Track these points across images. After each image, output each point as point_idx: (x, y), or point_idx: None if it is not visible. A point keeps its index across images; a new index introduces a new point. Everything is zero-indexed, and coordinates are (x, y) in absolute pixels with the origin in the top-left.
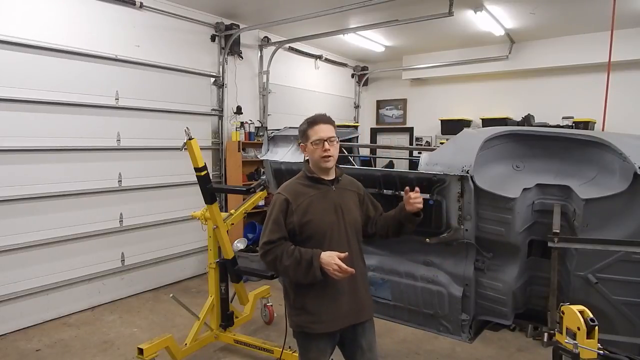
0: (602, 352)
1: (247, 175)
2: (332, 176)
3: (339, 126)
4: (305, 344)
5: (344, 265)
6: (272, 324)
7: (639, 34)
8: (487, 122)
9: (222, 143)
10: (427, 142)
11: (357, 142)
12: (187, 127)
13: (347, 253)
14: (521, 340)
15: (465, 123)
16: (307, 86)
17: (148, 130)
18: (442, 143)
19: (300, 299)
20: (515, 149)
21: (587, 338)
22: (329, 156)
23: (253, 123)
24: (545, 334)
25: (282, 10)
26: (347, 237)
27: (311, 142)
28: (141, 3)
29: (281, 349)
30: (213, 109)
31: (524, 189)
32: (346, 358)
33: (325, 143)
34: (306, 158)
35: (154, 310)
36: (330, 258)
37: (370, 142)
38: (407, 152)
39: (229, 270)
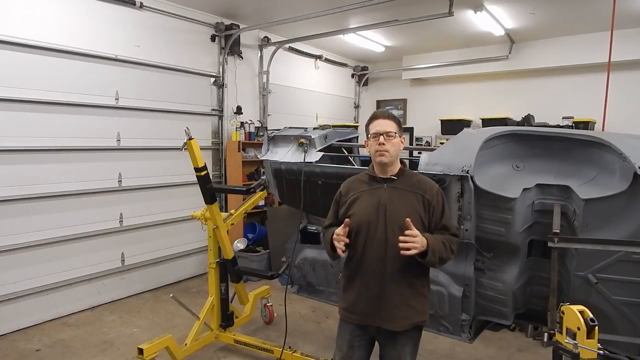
0: (602, 352)
1: (247, 175)
2: (388, 174)
3: (338, 126)
4: (338, 327)
5: (340, 233)
6: (272, 324)
7: (639, 34)
8: (487, 122)
9: (222, 143)
10: (427, 142)
11: (357, 142)
12: (187, 127)
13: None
14: (521, 340)
15: (465, 123)
16: (307, 86)
17: (148, 130)
18: (442, 143)
19: (342, 285)
20: (515, 149)
21: (587, 338)
22: (384, 151)
23: (253, 123)
24: (545, 334)
25: (282, 10)
26: (386, 237)
27: (369, 136)
28: (141, 3)
29: (281, 349)
30: (213, 109)
31: (524, 189)
32: None
33: (381, 137)
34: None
35: (154, 310)
36: (338, 230)
37: None
38: (407, 152)
39: (229, 270)
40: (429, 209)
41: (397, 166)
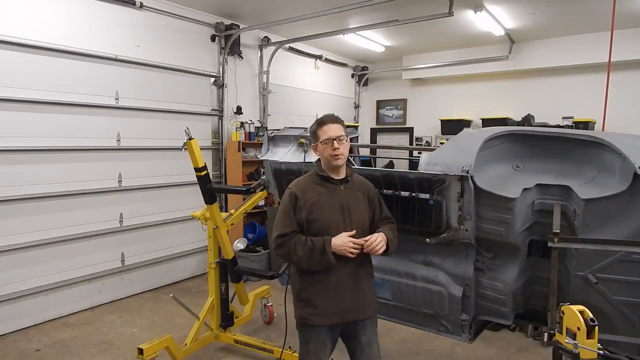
0: (602, 352)
1: (247, 175)
2: (341, 175)
3: None
4: (306, 335)
5: (357, 240)
6: (272, 324)
7: (639, 34)
8: (487, 122)
9: (222, 143)
10: (427, 142)
11: (357, 142)
12: (187, 127)
13: (354, 231)
14: (521, 340)
15: (465, 123)
16: (307, 86)
17: (148, 130)
18: (442, 143)
19: (305, 292)
20: (515, 149)
21: (587, 338)
22: (339, 154)
23: (253, 123)
24: (545, 334)
25: (282, 10)
26: (352, 237)
27: (321, 142)
28: (141, 3)
29: (281, 349)
30: (213, 109)
31: (524, 189)
32: (348, 353)
33: (335, 142)
34: (318, 158)
35: (154, 310)
36: (342, 239)
37: (370, 142)
38: (407, 152)
39: (229, 270)
40: (371, 204)
41: (345, 166)
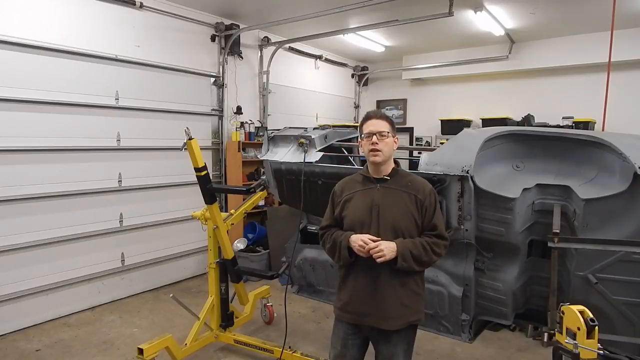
0: (602, 352)
1: (247, 175)
2: (381, 174)
3: (338, 126)
4: (333, 326)
5: (369, 242)
6: (272, 324)
7: (639, 34)
8: (487, 122)
9: (222, 143)
10: (427, 142)
11: (357, 142)
12: (187, 127)
13: (379, 239)
14: (521, 340)
15: (465, 123)
16: (307, 86)
17: (148, 130)
18: (442, 143)
19: (338, 284)
20: (515, 149)
21: (587, 338)
22: (377, 150)
23: (253, 123)
24: (545, 334)
25: (282, 10)
26: (379, 237)
27: (362, 136)
28: (141, 3)
29: (281, 349)
30: (213, 109)
31: (524, 189)
32: None
33: (374, 137)
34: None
35: (154, 310)
36: (357, 236)
37: None
38: (407, 152)
39: (229, 270)
40: (422, 208)
41: (391, 166)
